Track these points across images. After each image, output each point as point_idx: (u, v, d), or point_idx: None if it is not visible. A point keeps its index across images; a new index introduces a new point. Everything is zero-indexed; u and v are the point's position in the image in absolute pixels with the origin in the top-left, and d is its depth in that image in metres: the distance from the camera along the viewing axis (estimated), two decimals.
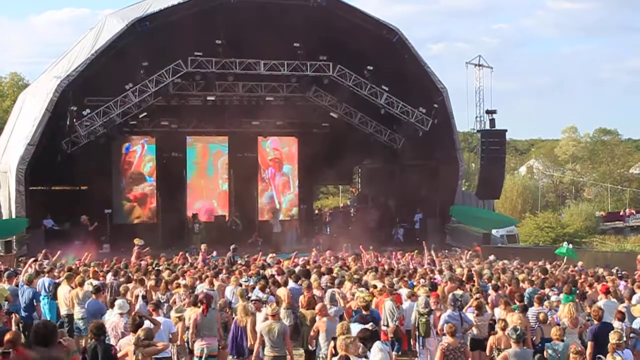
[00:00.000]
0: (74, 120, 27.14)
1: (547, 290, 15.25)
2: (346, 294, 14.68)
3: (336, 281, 15.58)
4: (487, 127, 32.78)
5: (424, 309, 13.14)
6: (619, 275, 18.72)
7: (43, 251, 20.87)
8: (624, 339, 10.93)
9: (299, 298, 14.23)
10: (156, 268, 18.70)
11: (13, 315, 12.50)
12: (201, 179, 34.43)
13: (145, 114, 31.15)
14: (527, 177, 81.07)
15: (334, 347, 9.71)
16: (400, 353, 14.00)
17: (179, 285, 15.02)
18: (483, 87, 34.00)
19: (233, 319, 13.17)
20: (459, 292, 14.53)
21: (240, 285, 15.38)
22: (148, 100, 28.91)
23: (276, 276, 17.09)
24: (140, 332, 9.64)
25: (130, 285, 15.10)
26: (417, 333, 13.35)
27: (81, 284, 14.44)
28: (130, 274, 16.97)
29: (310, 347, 12.41)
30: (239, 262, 21.66)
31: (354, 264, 20.62)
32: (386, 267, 19.91)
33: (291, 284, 15.57)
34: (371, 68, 29.83)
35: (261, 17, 27.57)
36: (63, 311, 14.72)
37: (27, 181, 26.54)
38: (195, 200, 33.86)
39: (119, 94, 27.87)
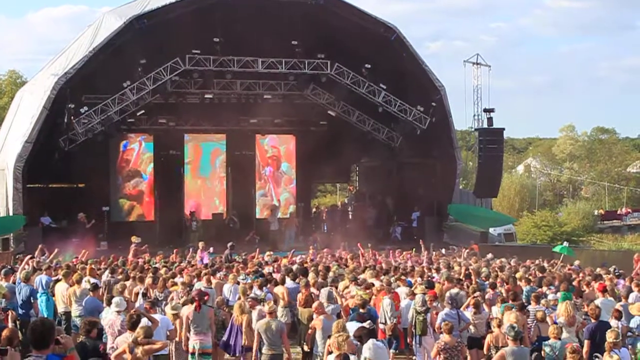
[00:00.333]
0: (72, 117, 27.16)
1: (544, 289, 15.27)
2: (342, 292, 14.69)
3: (329, 279, 15.58)
4: (485, 125, 32.83)
5: (421, 307, 13.14)
6: (616, 274, 18.74)
7: (39, 246, 20.85)
8: (621, 337, 10.94)
9: (296, 296, 14.23)
10: (153, 266, 18.69)
11: (9, 312, 12.47)
12: (199, 177, 34.40)
13: (143, 111, 31.13)
14: (524, 176, 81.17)
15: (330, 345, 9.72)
16: (397, 351, 14.00)
17: (176, 283, 15.02)
18: (481, 86, 34.10)
19: (231, 316, 13.16)
20: (456, 290, 14.54)
21: (238, 283, 15.38)
22: (146, 97, 28.88)
23: (274, 274, 17.11)
24: (139, 330, 9.63)
25: (128, 283, 15.09)
26: (414, 331, 13.35)
27: (79, 282, 14.43)
28: (128, 272, 16.96)
29: (306, 348, 12.40)
30: (237, 259, 21.64)
31: (352, 262, 20.61)
32: (384, 265, 19.91)
33: (289, 282, 15.57)
34: (369, 66, 29.84)
35: (259, 15, 27.55)
36: (60, 308, 14.72)
37: (24, 179, 26.51)
38: (192, 198, 33.84)
39: (117, 92, 27.86)
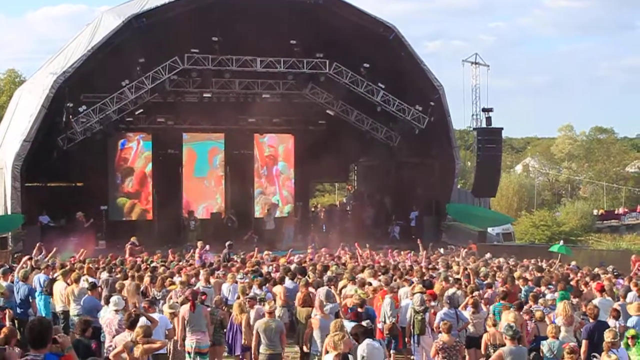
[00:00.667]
0: (70, 116, 27.16)
1: (542, 288, 15.28)
2: (340, 291, 14.70)
3: (325, 278, 15.59)
4: (484, 125, 32.87)
5: (419, 306, 13.15)
6: (614, 273, 18.77)
7: (37, 245, 20.84)
8: (619, 337, 10.95)
9: (295, 295, 14.24)
10: (151, 265, 18.69)
11: (7, 311, 12.47)
12: (197, 176, 34.35)
13: (141, 110, 31.11)
14: (523, 175, 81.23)
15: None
16: (395, 351, 14.01)
17: (174, 282, 15.02)
18: (479, 85, 34.17)
19: (229, 315, 13.18)
20: (454, 290, 14.55)
21: (237, 282, 15.39)
22: (144, 96, 28.87)
23: (273, 274, 17.12)
24: (138, 330, 9.62)
25: (126, 282, 15.09)
26: (412, 331, 13.36)
27: (77, 281, 14.44)
28: (126, 271, 16.96)
29: (305, 349, 12.41)
30: (235, 258, 21.64)
31: (350, 261, 20.62)
32: (382, 263, 19.93)
33: (287, 281, 15.58)
34: (367, 65, 29.83)
35: (258, 14, 27.53)
36: (59, 308, 14.71)
37: (23, 177, 26.52)
38: (191, 197, 33.82)
39: (115, 91, 27.85)
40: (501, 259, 22.88)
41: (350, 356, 9.22)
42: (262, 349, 11.69)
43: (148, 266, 18.41)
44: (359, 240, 25.10)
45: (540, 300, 13.72)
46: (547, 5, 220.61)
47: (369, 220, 34.59)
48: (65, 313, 14.45)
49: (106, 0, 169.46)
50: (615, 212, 68.63)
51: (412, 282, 15.72)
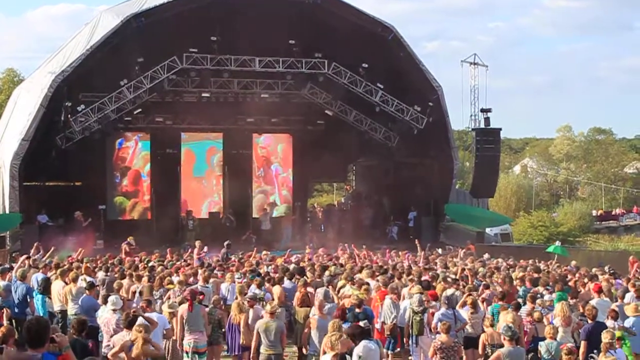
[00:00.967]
0: (69, 115, 27.14)
1: (540, 289, 15.29)
2: (338, 292, 14.71)
3: (325, 278, 15.60)
4: (482, 125, 32.84)
5: (417, 307, 13.16)
6: (611, 272, 18.79)
7: (35, 244, 20.83)
8: (616, 338, 10.95)
9: (293, 296, 14.24)
10: (149, 265, 18.68)
11: (5, 310, 12.46)
12: (195, 176, 34.36)
13: (140, 110, 31.04)
14: (521, 176, 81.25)
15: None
16: (393, 352, 14.02)
17: (172, 282, 15.02)
18: (478, 86, 34.10)
19: (227, 315, 13.17)
20: (452, 290, 14.56)
21: (234, 282, 15.39)
22: (143, 96, 28.85)
23: (271, 274, 17.11)
24: (139, 327, 9.61)
25: (125, 282, 15.09)
26: (410, 331, 13.36)
27: (75, 280, 14.43)
28: (124, 270, 16.96)
29: (304, 351, 12.40)
30: (233, 258, 21.63)
31: (348, 262, 20.62)
32: (380, 263, 19.93)
33: (286, 281, 15.58)
34: (366, 66, 29.84)
35: (256, 14, 27.50)
36: (57, 307, 14.70)
37: (21, 176, 26.52)
38: (189, 197, 33.81)
39: (114, 90, 27.84)
40: (499, 260, 22.90)
41: (347, 356, 9.22)
42: (262, 349, 11.69)
43: (146, 266, 18.39)
44: (357, 241, 25.10)
45: (538, 301, 13.73)
46: (547, 5, 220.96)
47: (367, 221, 34.60)
48: (63, 312, 14.43)
49: None
50: (613, 213, 68.69)
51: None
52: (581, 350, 11.19)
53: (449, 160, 31.44)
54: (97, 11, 34.11)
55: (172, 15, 27.25)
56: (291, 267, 18.00)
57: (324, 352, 9.53)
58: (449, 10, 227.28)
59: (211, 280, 15.79)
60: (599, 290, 14.31)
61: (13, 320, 12.64)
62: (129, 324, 10.02)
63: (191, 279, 15.89)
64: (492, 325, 11.89)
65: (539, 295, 14.44)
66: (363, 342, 9.73)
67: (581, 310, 12.88)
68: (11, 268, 16.61)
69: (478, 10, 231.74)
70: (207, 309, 12.87)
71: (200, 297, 13.17)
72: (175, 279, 15.51)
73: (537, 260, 22.73)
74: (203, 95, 31.26)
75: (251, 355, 12.17)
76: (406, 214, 33.48)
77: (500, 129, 33.08)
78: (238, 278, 16.13)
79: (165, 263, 19.49)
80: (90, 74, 27.23)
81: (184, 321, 12.27)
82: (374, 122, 32.60)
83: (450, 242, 30.10)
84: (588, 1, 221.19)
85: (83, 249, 21.06)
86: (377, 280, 15.30)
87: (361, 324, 10.67)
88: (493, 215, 38.20)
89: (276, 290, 14.73)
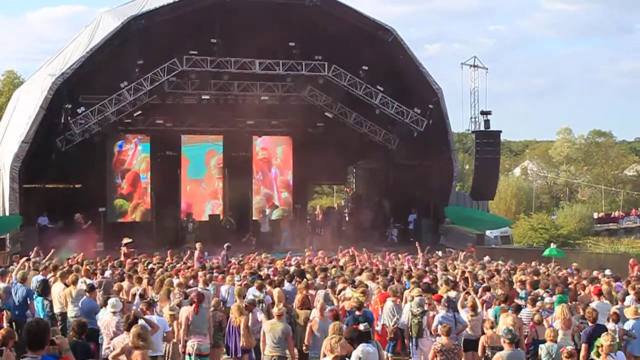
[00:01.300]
0: (69, 118, 27.15)
1: (540, 292, 15.28)
2: (338, 294, 14.69)
3: (329, 282, 15.57)
4: (482, 128, 32.82)
5: (417, 309, 13.15)
6: (609, 274, 18.79)
7: (35, 249, 20.82)
8: (617, 340, 10.95)
9: (294, 298, 14.22)
10: (149, 267, 18.66)
11: (4, 312, 12.45)
12: (195, 178, 34.36)
13: (140, 112, 31.08)
14: (521, 178, 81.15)
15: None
16: (393, 354, 14.00)
17: (172, 284, 14.97)
18: (478, 88, 34.10)
19: (227, 318, 13.15)
20: (453, 293, 14.55)
21: (234, 284, 15.36)
22: (143, 98, 28.85)
23: (271, 276, 17.09)
24: (138, 330, 9.59)
25: (125, 284, 15.07)
26: (410, 333, 13.35)
27: (74, 283, 14.41)
28: (124, 272, 16.95)
29: (305, 349, 12.40)
30: (233, 261, 21.60)
31: (349, 264, 20.61)
32: (380, 267, 19.90)
33: (286, 284, 15.56)
34: (366, 68, 29.84)
35: (256, 16, 27.54)
36: (57, 309, 14.68)
37: (21, 179, 26.51)
38: (189, 199, 33.82)
39: (114, 92, 27.84)
40: (500, 262, 22.88)
41: (347, 359, 9.21)
42: (266, 350, 11.68)
43: (146, 268, 18.37)
44: (357, 243, 25.09)
45: (538, 304, 13.71)
46: (547, 8, 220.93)
47: (367, 223, 34.60)
48: (63, 315, 14.42)
49: (105, 1, 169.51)
50: (612, 215, 68.67)
51: (407, 284, 15.74)
52: (582, 353, 11.19)
53: (449, 163, 31.44)
54: (98, 13, 34.18)
55: (172, 17, 27.28)
56: (291, 269, 17.98)
57: (324, 355, 9.51)
58: (450, 12, 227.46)
59: (211, 282, 15.76)
60: (599, 293, 14.29)
61: (13, 323, 12.64)
62: (129, 326, 10.00)
63: (191, 282, 15.87)
64: (492, 328, 11.89)
65: (539, 298, 14.42)
66: (362, 345, 9.72)
67: (581, 313, 12.87)
68: (11, 270, 16.60)
69: (479, 12, 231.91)
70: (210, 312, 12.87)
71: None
72: (175, 281, 15.48)
73: (538, 263, 22.76)
74: (203, 97, 31.26)
75: (250, 357, 12.16)
76: (406, 217, 33.49)
77: (500, 132, 33.07)
78: (238, 281, 16.12)
79: (165, 265, 19.46)
80: (91, 76, 27.24)
81: (189, 322, 12.25)
82: (374, 124, 32.61)
83: (450, 245, 30.05)
84: (588, 4, 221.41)
85: (83, 251, 21.07)
86: (378, 283, 15.28)
87: (361, 326, 10.67)
88: (493, 217, 38.20)
89: (276, 292, 14.71)
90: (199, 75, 28.91)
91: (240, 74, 29.50)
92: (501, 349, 10.66)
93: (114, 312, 11.60)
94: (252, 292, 14.29)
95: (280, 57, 29.05)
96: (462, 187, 45.21)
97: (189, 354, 12.26)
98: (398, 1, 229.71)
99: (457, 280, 16.37)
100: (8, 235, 26.04)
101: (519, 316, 12.94)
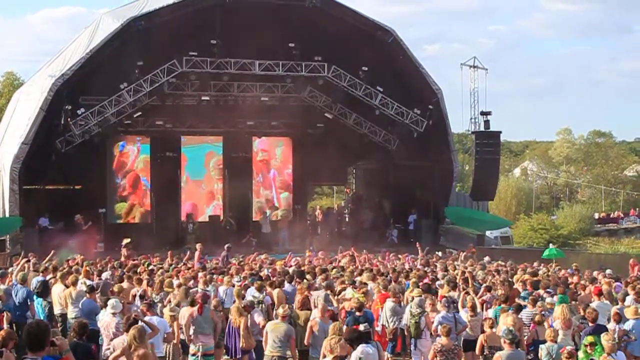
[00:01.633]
0: (69, 119, 27.13)
1: (541, 292, 15.28)
2: (337, 295, 14.69)
3: (324, 282, 15.58)
4: (482, 128, 32.81)
5: (416, 309, 13.16)
6: (612, 276, 18.77)
7: (30, 254, 20.66)
8: (617, 340, 10.95)
9: (294, 299, 14.22)
10: (149, 268, 18.67)
11: (5, 314, 12.46)
12: (195, 179, 34.39)
13: (139, 113, 31.06)
14: (521, 179, 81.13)
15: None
16: (393, 354, 14.01)
17: (172, 285, 14.99)
18: (478, 89, 34.08)
19: (227, 319, 13.15)
20: (453, 293, 14.56)
21: (233, 285, 15.36)
22: (143, 99, 28.86)
23: (271, 277, 17.09)
24: (135, 332, 9.59)
25: (125, 285, 15.07)
26: (409, 334, 13.37)
27: (74, 284, 14.42)
28: (124, 274, 16.96)
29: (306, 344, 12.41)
30: (234, 262, 21.61)
31: (349, 265, 20.62)
32: (381, 267, 19.91)
33: (286, 284, 15.57)
34: (366, 69, 29.82)
35: (256, 17, 27.55)
36: (57, 310, 14.70)
37: (21, 180, 26.51)
38: (189, 200, 33.84)
39: (114, 93, 27.83)
40: (500, 262, 22.90)
41: None
42: (267, 350, 11.68)
43: (146, 269, 18.39)
44: (357, 243, 25.09)
45: (539, 304, 13.72)
46: (546, 8, 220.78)
47: (367, 224, 34.59)
48: (63, 316, 14.43)
49: (105, 2, 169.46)
50: (610, 215, 68.67)
51: (407, 285, 15.75)
52: None
53: (449, 163, 31.44)
54: (97, 14, 34.16)
55: (171, 18, 27.28)
56: (291, 270, 17.99)
57: (324, 356, 9.52)
58: (449, 13, 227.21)
59: (211, 283, 15.77)
60: (599, 293, 14.30)
61: (13, 324, 12.66)
62: (129, 327, 10.00)
63: (191, 282, 15.88)
64: (492, 327, 11.90)
65: (540, 298, 14.43)
66: (362, 346, 9.72)
67: (581, 313, 12.88)
68: (11, 272, 16.61)
69: (479, 12, 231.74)
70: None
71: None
72: (175, 282, 15.49)
73: (539, 263, 22.76)
74: (203, 98, 31.27)
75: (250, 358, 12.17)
76: (406, 217, 33.50)
77: (500, 132, 33.07)
78: (238, 281, 16.11)
79: (165, 266, 19.47)
80: (90, 77, 27.26)
81: (192, 322, 12.25)
82: (373, 125, 32.61)
83: (450, 245, 30.07)
84: (587, 4, 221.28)
85: (84, 252, 21.09)
86: (378, 283, 15.29)
87: (361, 327, 10.67)
88: (493, 218, 38.21)
89: (276, 293, 14.72)
90: (198, 76, 28.92)
91: (240, 74, 29.50)
92: (499, 348, 10.67)
93: (113, 313, 11.60)
94: (252, 293, 14.28)
95: (280, 58, 29.05)
96: (462, 187, 45.18)
97: (193, 354, 12.25)
98: (397, 1, 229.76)
99: (457, 280, 16.38)
100: (8, 236, 26.05)
101: (519, 316, 12.95)
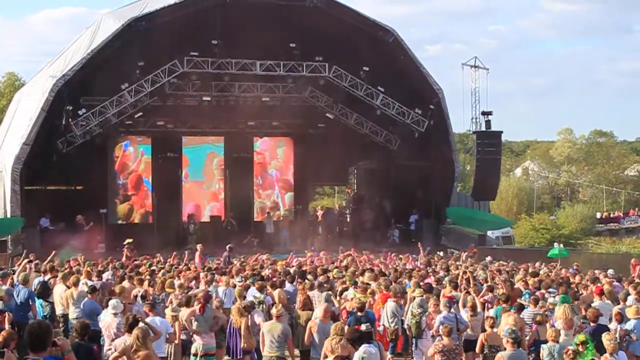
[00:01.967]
0: (70, 119, 27.12)
1: (543, 292, 15.27)
2: (339, 295, 14.69)
3: (316, 282, 15.57)
4: (483, 128, 32.82)
5: (417, 309, 13.15)
6: (611, 274, 18.79)
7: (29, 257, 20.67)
8: (619, 340, 10.94)
9: (295, 299, 14.21)
10: (151, 268, 18.67)
11: (6, 314, 12.45)
12: (197, 179, 34.39)
13: (141, 113, 31.09)
14: (522, 179, 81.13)
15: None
16: (394, 355, 14.00)
17: (173, 285, 14.99)
18: (479, 89, 34.15)
19: (227, 319, 13.14)
20: (454, 293, 14.55)
21: (234, 286, 15.35)
22: (144, 100, 28.88)
23: (271, 277, 17.08)
24: (138, 333, 9.59)
25: (126, 285, 15.07)
26: (410, 334, 13.36)
27: (76, 284, 14.42)
28: (125, 274, 16.96)
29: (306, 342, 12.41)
30: (235, 262, 21.61)
31: (351, 265, 20.61)
32: (382, 267, 19.90)
33: (287, 285, 15.56)
34: (367, 69, 29.81)
35: (257, 17, 27.55)
36: (59, 311, 14.71)
37: (22, 181, 26.50)
38: (190, 201, 33.84)
39: (115, 94, 27.83)
40: (501, 262, 22.90)
41: None
42: (265, 351, 11.66)
43: (147, 269, 18.39)
44: (358, 244, 25.09)
45: (540, 304, 13.71)
46: (547, 8, 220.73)
47: (368, 224, 34.59)
48: (65, 316, 14.43)
49: (106, 3, 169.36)
50: (611, 215, 68.65)
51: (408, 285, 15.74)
52: None
53: (450, 163, 31.42)
54: (98, 15, 34.16)
55: (172, 18, 27.26)
56: (292, 270, 17.98)
57: (325, 356, 9.50)
58: (450, 13, 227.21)
59: (213, 283, 15.76)
60: (601, 293, 14.29)
61: (14, 325, 12.64)
62: (130, 327, 10.00)
63: (192, 283, 15.87)
64: (492, 327, 11.88)
65: (542, 298, 14.42)
66: (364, 346, 9.70)
67: (583, 313, 12.86)
68: (13, 272, 16.60)
69: (479, 13, 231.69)
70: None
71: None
72: (176, 282, 15.49)
73: (540, 263, 22.75)
74: (204, 98, 31.28)
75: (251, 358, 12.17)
76: (407, 217, 33.49)
77: (502, 132, 33.04)
78: (239, 282, 16.09)
79: (166, 267, 19.47)
80: (91, 78, 27.27)
81: (195, 320, 12.24)
82: (375, 125, 32.62)
83: (451, 245, 30.06)
84: (588, 4, 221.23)
85: (85, 253, 21.09)
86: (379, 284, 15.27)
87: (363, 327, 10.65)
88: (494, 218, 38.18)
89: (277, 293, 14.71)
90: (199, 76, 28.93)
91: (241, 75, 29.47)
92: (499, 347, 10.66)
93: (115, 314, 11.60)
94: (253, 293, 14.28)
95: (281, 58, 29.03)
96: (464, 187, 45.17)
97: (195, 355, 12.25)
98: (398, 2, 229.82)
99: (459, 280, 16.37)
100: (9, 237, 26.04)
101: (521, 316, 12.94)
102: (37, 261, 18.88)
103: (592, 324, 11.87)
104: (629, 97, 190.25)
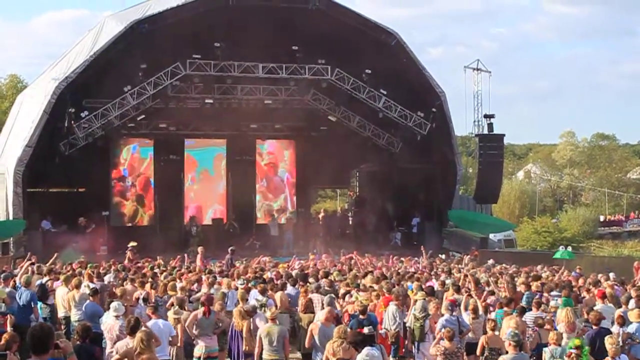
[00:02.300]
0: (72, 122, 27.15)
1: (545, 295, 15.25)
2: (341, 298, 14.67)
3: (313, 285, 15.56)
4: (485, 131, 32.84)
5: (420, 313, 13.14)
6: (614, 279, 18.74)
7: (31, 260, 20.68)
8: (621, 344, 10.92)
9: (297, 301, 14.20)
10: (153, 271, 18.68)
11: (8, 316, 12.45)
12: (199, 182, 34.39)
13: (143, 116, 31.11)
14: (524, 182, 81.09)
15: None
16: (396, 357, 13.98)
17: (175, 288, 14.98)
18: (481, 92, 34.17)
19: (230, 322, 13.13)
20: (457, 296, 14.53)
21: (236, 288, 15.34)
22: (146, 102, 28.90)
23: (274, 280, 17.07)
24: (142, 336, 9.58)
25: (128, 287, 15.07)
26: (412, 337, 13.34)
27: (78, 287, 14.42)
28: (127, 277, 16.96)
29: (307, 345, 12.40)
30: (237, 265, 21.62)
31: (353, 268, 20.60)
32: (384, 270, 19.89)
33: (289, 287, 15.55)
34: (369, 71, 29.84)
35: (260, 20, 27.52)
36: (60, 313, 14.73)
37: (24, 183, 26.53)
38: (192, 203, 33.84)
39: (117, 96, 27.84)
40: (503, 265, 22.88)
41: None
42: (264, 354, 11.65)
43: (150, 272, 18.39)
44: (360, 247, 25.04)
45: (542, 307, 13.69)
46: (548, 10, 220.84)
47: (370, 227, 34.56)
48: (67, 319, 14.43)
49: (109, 5, 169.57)
50: (612, 218, 68.65)
51: (410, 288, 15.73)
52: None
53: (452, 166, 31.40)
54: (101, 17, 34.11)
55: (175, 21, 27.26)
56: (294, 273, 17.97)
57: (327, 359, 9.51)
58: (452, 16, 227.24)
59: (215, 286, 15.75)
60: (603, 296, 14.26)
61: (17, 327, 12.64)
62: (132, 330, 9.99)
63: (194, 286, 15.87)
64: (494, 329, 11.87)
65: (545, 301, 14.40)
66: (366, 349, 9.70)
67: (585, 316, 12.85)
68: (15, 275, 16.60)
69: (481, 15, 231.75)
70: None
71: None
72: (178, 285, 15.48)
73: (542, 266, 22.71)
74: (206, 101, 31.23)
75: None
76: (409, 220, 33.49)
77: (504, 135, 33.06)
78: (241, 284, 16.08)
79: (168, 269, 19.47)
80: (94, 80, 27.29)
81: (196, 324, 12.24)
82: (377, 127, 32.63)
83: (453, 248, 30.05)
84: (589, 6, 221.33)
85: (87, 255, 21.12)
86: (381, 286, 15.26)
87: (365, 330, 10.65)
88: (496, 221, 38.14)
89: (279, 296, 14.69)
90: (202, 79, 28.93)
91: (244, 77, 29.48)
92: (500, 350, 10.65)
93: (116, 316, 11.59)
94: (255, 296, 14.26)
95: (283, 60, 29.04)
96: (466, 190, 45.18)
97: (198, 357, 12.24)
98: (401, 4, 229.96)
99: (461, 283, 16.36)
100: (12, 239, 26.05)
101: (522, 319, 12.92)
102: (38, 264, 18.89)
103: (594, 327, 11.84)
104: (631, 99, 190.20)
